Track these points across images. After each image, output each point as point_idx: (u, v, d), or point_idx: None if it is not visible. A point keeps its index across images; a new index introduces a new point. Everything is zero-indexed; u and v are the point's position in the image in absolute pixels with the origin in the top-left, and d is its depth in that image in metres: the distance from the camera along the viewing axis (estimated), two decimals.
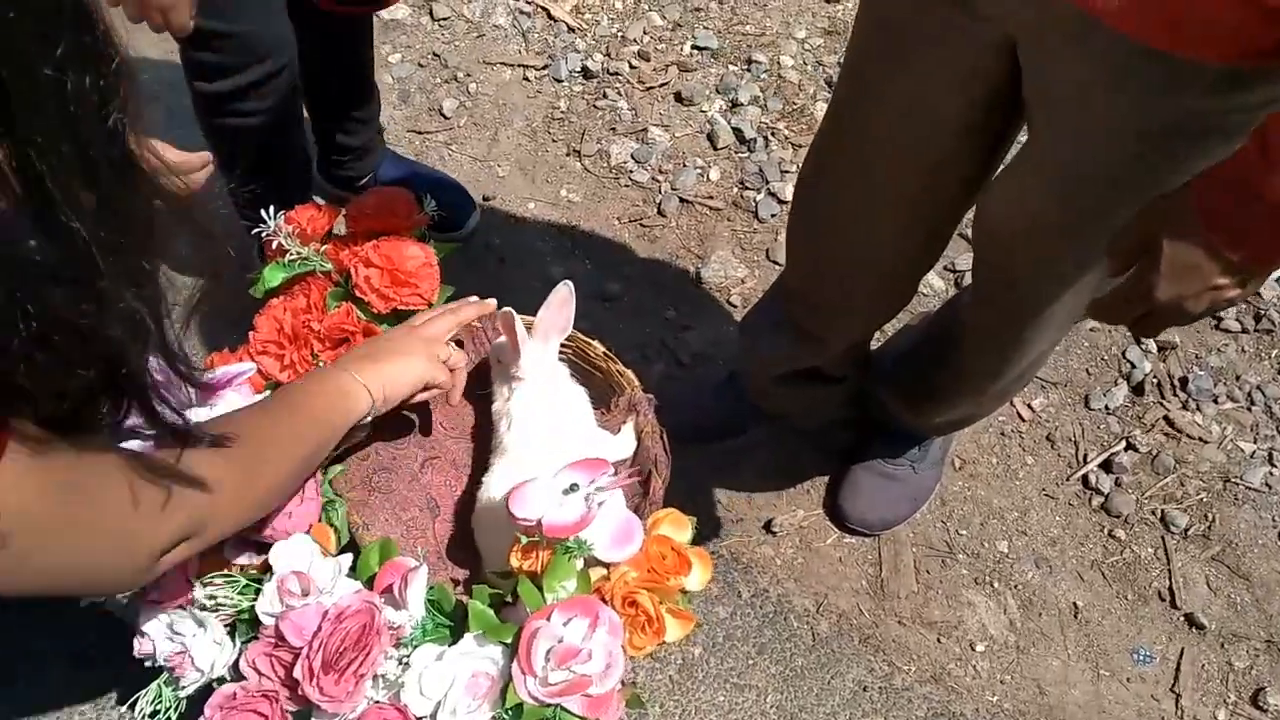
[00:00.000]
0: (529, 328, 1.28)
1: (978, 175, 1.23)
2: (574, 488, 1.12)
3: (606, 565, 1.14)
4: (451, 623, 1.15)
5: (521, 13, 2.34)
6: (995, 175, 1.23)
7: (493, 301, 1.28)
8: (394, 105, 2.22)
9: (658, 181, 2.10)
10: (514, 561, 1.13)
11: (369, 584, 1.15)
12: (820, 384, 1.67)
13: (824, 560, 1.71)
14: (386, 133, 2.17)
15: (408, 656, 1.08)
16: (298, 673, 1.02)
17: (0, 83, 0.51)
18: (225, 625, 1.10)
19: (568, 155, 2.14)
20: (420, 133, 2.18)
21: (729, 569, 1.67)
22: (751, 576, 1.67)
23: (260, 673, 1.05)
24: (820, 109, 2.15)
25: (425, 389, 1.16)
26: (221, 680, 1.07)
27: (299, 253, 1.28)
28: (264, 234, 1.26)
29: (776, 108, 2.18)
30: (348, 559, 1.14)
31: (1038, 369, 1.53)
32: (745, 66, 2.24)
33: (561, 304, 1.28)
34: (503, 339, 1.29)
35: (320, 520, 1.20)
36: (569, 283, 1.28)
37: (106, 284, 0.60)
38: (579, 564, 1.13)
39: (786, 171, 2.09)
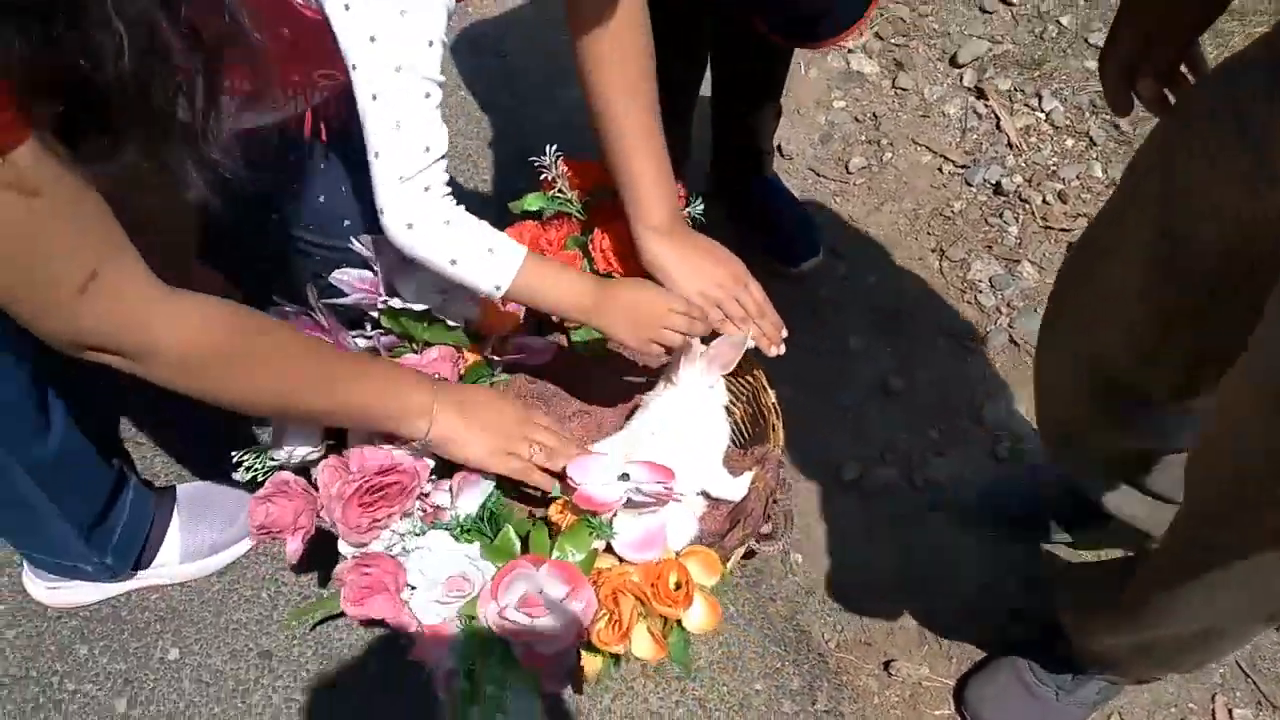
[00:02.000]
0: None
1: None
2: (625, 477, 1.19)
3: (621, 560, 1.21)
4: (490, 537, 1.26)
5: (975, 112, 2.35)
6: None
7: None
8: (812, 141, 2.33)
9: (1000, 313, 2.04)
10: (551, 514, 1.23)
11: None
12: None
13: None
14: (790, 160, 2.29)
15: (428, 530, 1.22)
16: (334, 490, 1.19)
17: None
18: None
19: (931, 251, 2.14)
20: (817, 174, 2.28)
21: (822, 674, 1.64)
22: (839, 694, 1.63)
23: (321, 480, 1.24)
24: None
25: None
26: (300, 468, 1.27)
27: (563, 193, 1.44)
28: (542, 169, 1.43)
29: None
30: None
31: (1216, 650, 1.34)
32: None
33: (734, 346, 1.33)
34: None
35: None
36: (751, 333, 1.32)
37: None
38: (597, 544, 1.20)
39: None
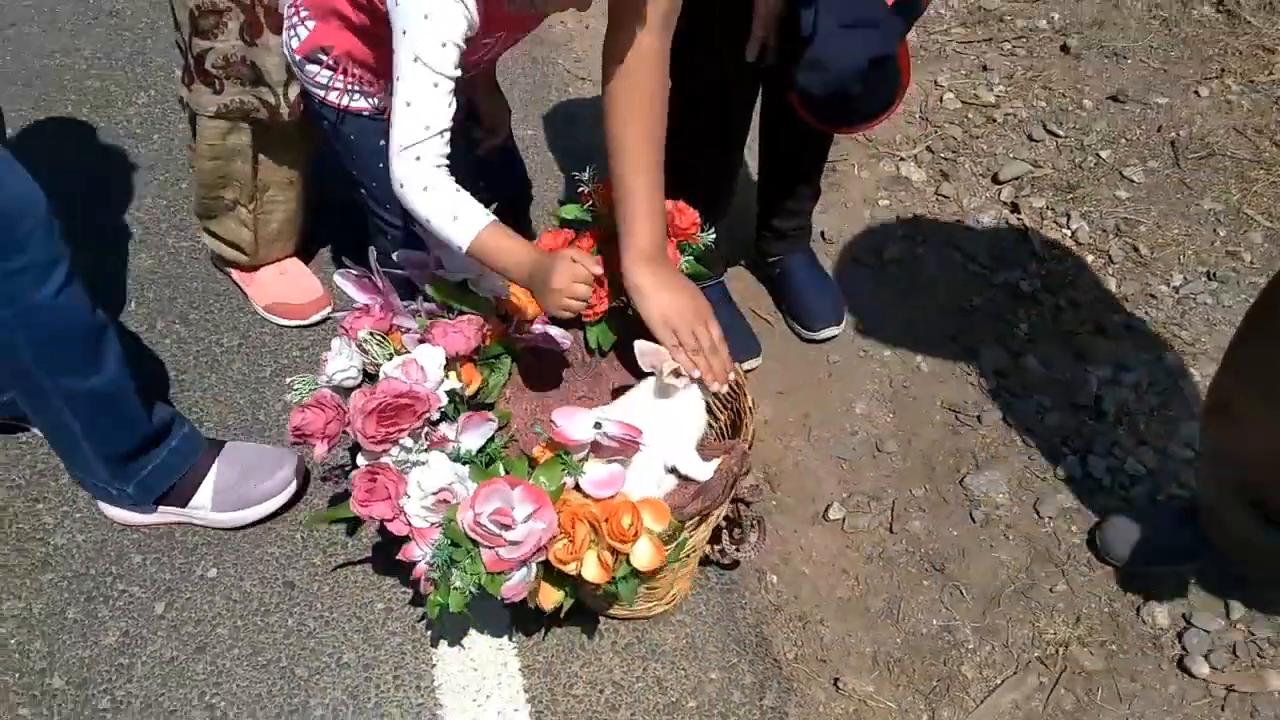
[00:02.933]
0: None
1: None
2: (598, 425, 1.41)
3: (585, 495, 1.42)
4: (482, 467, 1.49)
5: (1007, 223, 2.56)
6: None
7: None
8: (854, 231, 2.57)
9: (999, 396, 2.22)
10: (535, 453, 1.45)
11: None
12: None
13: None
14: (832, 245, 2.53)
15: (430, 451, 1.45)
16: (359, 405, 1.43)
17: None
18: (369, 369, 1.54)
19: (946, 337, 2.33)
20: (855, 260, 2.51)
21: (774, 676, 1.80)
22: (787, 696, 1.78)
23: (353, 401, 1.48)
24: (1189, 428, 2.12)
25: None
26: (341, 391, 1.52)
27: (594, 208, 1.69)
28: (581, 185, 1.70)
29: (1151, 402, 2.18)
30: (455, 384, 1.53)
31: None
32: (1154, 355, 2.26)
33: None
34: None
35: (477, 365, 1.61)
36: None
37: None
38: (568, 480, 1.42)
39: (1115, 457, 2.09)
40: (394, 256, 1.64)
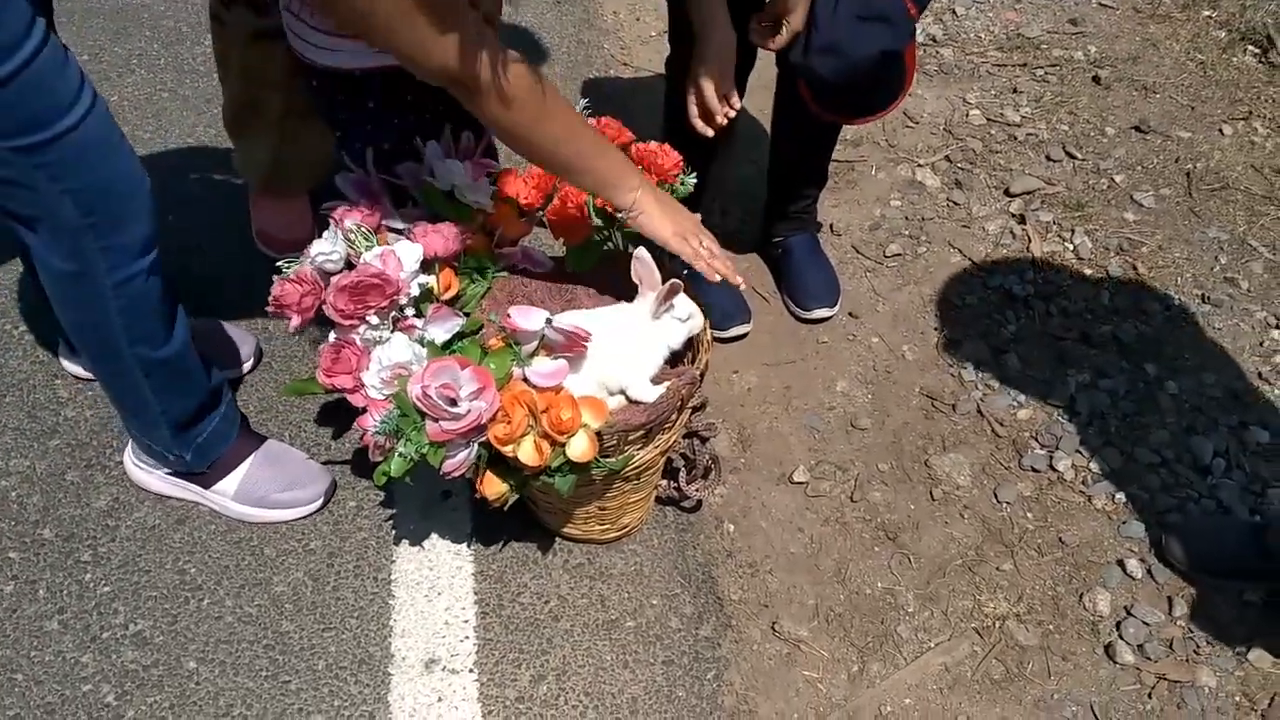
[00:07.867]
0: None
1: None
2: (548, 321, 1.51)
3: (532, 386, 1.52)
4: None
5: (1011, 233, 2.63)
6: None
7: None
8: (861, 227, 2.65)
9: (975, 387, 2.28)
10: (490, 342, 1.56)
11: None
12: None
13: None
14: (838, 237, 2.62)
15: (393, 333, 1.56)
16: (335, 281, 1.55)
17: None
18: (352, 260, 1.66)
19: (934, 329, 2.40)
20: (858, 252, 2.59)
21: (713, 611, 1.87)
22: (723, 631, 1.85)
23: (333, 280, 1.60)
24: (1160, 436, 2.16)
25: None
26: (320, 271, 1.64)
27: None
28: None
29: (1125, 408, 2.23)
30: (428, 279, 1.64)
31: None
32: (1135, 366, 2.31)
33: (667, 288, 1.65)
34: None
35: (458, 273, 1.72)
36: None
37: None
38: (514, 368, 1.52)
39: (1081, 455, 2.14)
40: (398, 170, 1.76)
